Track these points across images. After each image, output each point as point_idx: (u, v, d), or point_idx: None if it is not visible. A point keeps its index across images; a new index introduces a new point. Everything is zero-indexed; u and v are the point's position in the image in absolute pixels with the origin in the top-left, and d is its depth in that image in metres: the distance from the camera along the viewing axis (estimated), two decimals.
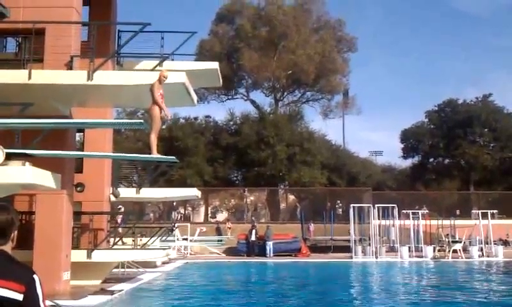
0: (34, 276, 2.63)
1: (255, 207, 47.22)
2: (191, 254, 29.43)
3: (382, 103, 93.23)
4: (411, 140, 56.28)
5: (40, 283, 2.63)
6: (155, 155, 11.08)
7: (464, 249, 28.43)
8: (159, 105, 10.86)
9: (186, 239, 30.59)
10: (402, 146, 56.94)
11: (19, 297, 2.54)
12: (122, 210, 23.93)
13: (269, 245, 29.31)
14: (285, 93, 55.35)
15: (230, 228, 34.33)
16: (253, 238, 29.84)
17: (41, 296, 2.60)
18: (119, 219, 23.53)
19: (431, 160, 56.42)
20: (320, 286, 18.91)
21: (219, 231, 34.42)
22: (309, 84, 53.06)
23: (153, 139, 10.93)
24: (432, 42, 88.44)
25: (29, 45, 12.97)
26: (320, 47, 50.76)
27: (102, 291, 13.97)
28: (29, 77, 11.73)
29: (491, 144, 52.99)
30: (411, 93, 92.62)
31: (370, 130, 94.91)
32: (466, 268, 24.70)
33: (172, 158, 12.02)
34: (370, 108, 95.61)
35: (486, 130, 52.65)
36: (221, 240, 32.51)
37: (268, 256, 28.82)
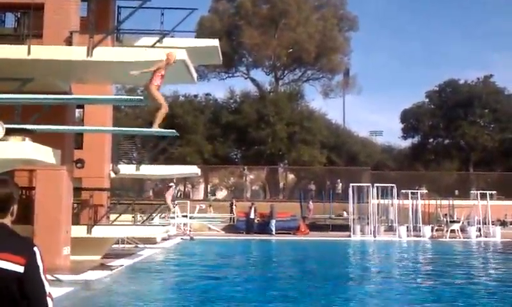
0: (35, 249, 2.65)
1: (263, 186, 47.13)
2: (190, 231, 29.57)
3: (382, 83, 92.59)
4: (411, 120, 56.14)
5: (41, 255, 2.66)
6: (155, 128, 10.75)
7: (462, 229, 28.60)
8: (157, 98, 10.41)
9: (186, 216, 30.74)
10: (402, 126, 56.88)
11: (20, 269, 2.56)
12: (173, 185, 25.21)
13: (273, 223, 29.50)
14: (286, 72, 55.13)
15: (235, 206, 34.34)
16: (251, 215, 30.02)
17: (41, 268, 2.63)
18: (169, 195, 26.32)
19: (431, 140, 56.37)
20: (317, 263, 19.07)
21: (232, 210, 34.26)
22: (310, 63, 52.78)
23: (161, 115, 10.49)
24: (433, 23, 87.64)
25: (28, 20, 12.88)
26: (321, 25, 50.42)
27: (102, 266, 14.10)
28: (28, 53, 11.66)
29: (492, 125, 52.91)
30: (412, 73, 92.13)
31: (371, 110, 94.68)
32: (463, 248, 24.88)
33: (172, 131, 11.88)
34: (371, 88, 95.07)
35: (486, 110, 52.50)
36: (233, 219, 32.65)
37: (272, 233, 29.00)
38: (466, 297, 11.78)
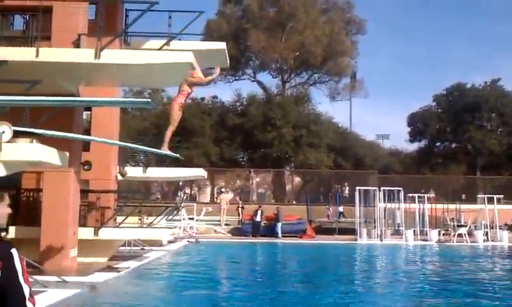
0: (12, 251, 2.56)
1: (273, 189, 47.08)
2: (196, 233, 29.58)
3: (389, 86, 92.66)
4: (418, 124, 55.97)
5: (19, 257, 2.57)
6: (165, 150, 10.68)
7: (469, 234, 28.43)
8: (173, 117, 10.23)
9: (192, 219, 30.75)
10: (409, 129, 56.73)
11: None
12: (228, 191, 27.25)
13: (279, 226, 29.42)
14: (292, 75, 55.15)
15: (243, 208, 34.35)
16: (258, 218, 29.96)
17: (20, 270, 2.54)
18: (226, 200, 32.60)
19: (438, 144, 56.18)
20: (324, 266, 19.03)
21: (239, 213, 34.21)
22: (317, 66, 52.79)
23: (168, 135, 10.45)
24: (441, 26, 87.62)
25: (37, 22, 12.96)
26: (329, 29, 50.40)
27: (109, 268, 14.13)
28: (37, 55, 11.73)
29: (499, 129, 52.70)
30: (419, 76, 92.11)
31: (377, 114, 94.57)
32: (470, 253, 24.75)
33: (176, 155, 11.91)
34: (378, 91, 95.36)
35: (493, 114, 52.30)
36: (241, 221, 32.62)
37: (278, 236, 28.92)
38: (473, 300, 11.73)
